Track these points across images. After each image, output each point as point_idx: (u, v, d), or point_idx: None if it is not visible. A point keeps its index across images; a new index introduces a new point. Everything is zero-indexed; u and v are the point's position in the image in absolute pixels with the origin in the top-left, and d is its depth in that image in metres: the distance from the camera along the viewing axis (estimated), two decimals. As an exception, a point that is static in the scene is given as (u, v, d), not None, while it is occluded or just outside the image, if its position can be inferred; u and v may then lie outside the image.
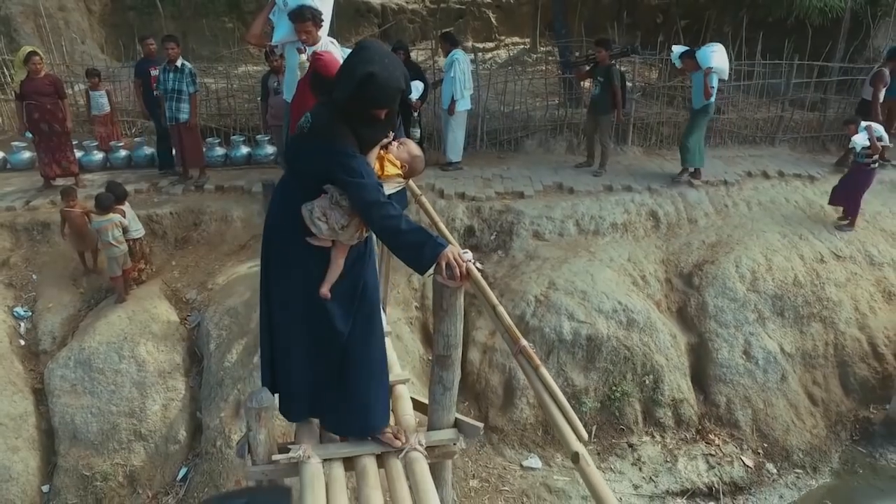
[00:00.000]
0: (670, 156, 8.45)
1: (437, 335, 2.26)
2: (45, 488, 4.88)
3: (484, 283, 2.22)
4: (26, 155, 7.44)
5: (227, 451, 4.90)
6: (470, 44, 11.72)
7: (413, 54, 9.04)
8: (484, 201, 6.91)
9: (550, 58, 10.96)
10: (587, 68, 7.69)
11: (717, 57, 6.94)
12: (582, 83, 8.86)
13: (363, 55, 2.18)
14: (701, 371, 6.17)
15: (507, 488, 5.23)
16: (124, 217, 5.60)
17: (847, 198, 7.24)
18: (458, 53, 7.14)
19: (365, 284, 2.44)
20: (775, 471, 5.74)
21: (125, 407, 5.07)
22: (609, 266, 6.43)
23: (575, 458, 1.50)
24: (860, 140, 6.83)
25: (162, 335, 5.41)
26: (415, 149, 2.65)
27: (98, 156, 7.53)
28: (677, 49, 7.37)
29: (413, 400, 2.71)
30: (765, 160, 8.51)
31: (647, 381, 5.87)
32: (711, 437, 5.85)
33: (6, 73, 8.78)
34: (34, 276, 6.01)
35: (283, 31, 4.32)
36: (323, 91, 3.92)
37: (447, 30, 9.01)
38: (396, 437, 2.51)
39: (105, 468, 4.90)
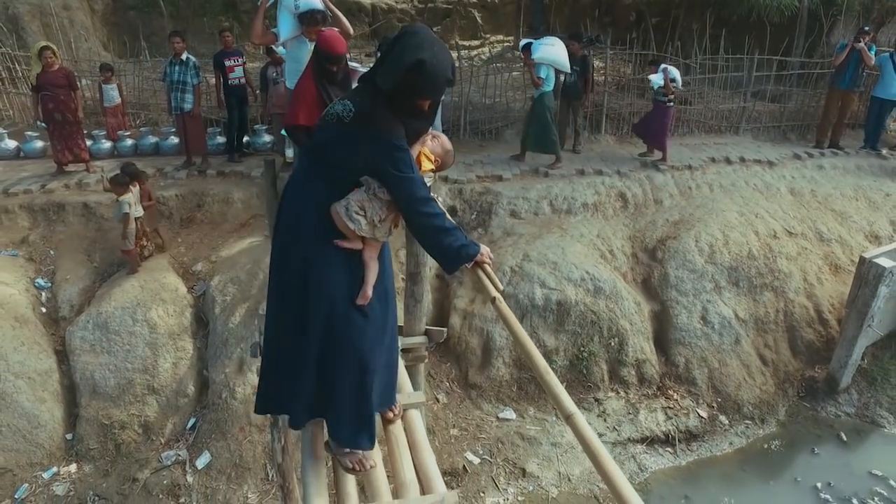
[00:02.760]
0: (640, 143, 9.08)
1: (408, 256, 2.82)
2: (69, 436, 5.43)
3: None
4: (39, 144, 7.99)
5: (231, 402, 5.47)
6: (456, 41, 12.30)
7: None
8: (465, 184, 7.50)
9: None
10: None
11: (544, 49, 7.37)
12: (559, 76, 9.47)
13: (412, 41, 2.01)
14: (662, 335, 6.77)
15: (483, 436, 5.82)
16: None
17: (647, 130, 8.20)
18: None
19: (386, 283, 2.34)
20: (727, 421, 6.35)
21: (139, 364, 5.62)
22: (579, 241, 7.03)
23: (492, 300, 1.99)
24: (657, 79, 7.69)
25: (171, 302, 5.97)
26: (447, 143, 2.52)
27: (106, 144, 8.07)
28: (522, 41, 8.05)
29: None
30: (728, 147, 9.15)
31: (613, 344, 6.47)
32: (670, 392, 6.46)
33: (16, 68, 9.30)
34: (52, 252, 6.55)
35: (288, 27, 4.77)
36: (324, 67, 4.10)
37: (435, 28, 9.61)
38: (360, 463, 2.28)
39: (122, 418, 5.45)
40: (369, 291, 2.20)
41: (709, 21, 9.78)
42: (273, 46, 6.82)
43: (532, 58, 7.40)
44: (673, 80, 7.71)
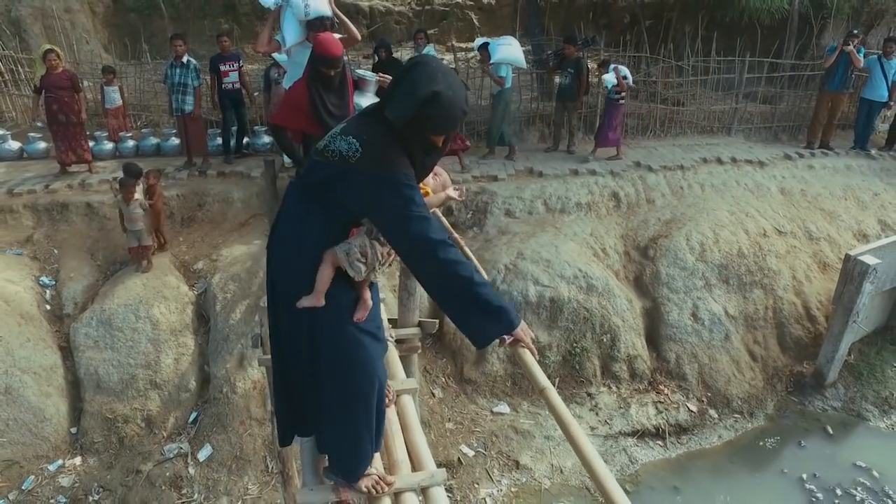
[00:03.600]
0: (634, 143, 9.25)
1: (402, 252, 2.95)
2: (73, 430, 5.57)
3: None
4: (42, 145, 8.13)
5: (232, 396, 5.61)
6: (452, 43, 12.45)
7: (398, 53, 9.79)
8: (461, 184, 7.64)
9: (529, 56, 11.72)
10: (551, 64, 8.49)
11: (502, 50, 7.63)
12: (554, 78, 9.65)
13: (424, 72, 1.87)
14: (654, 331, 6.92)
15: (478, 430, 5.97)
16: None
17: (600, 129, 8.31)
18: (431, 49, 7.90)
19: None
20: (716, 415, 6.50)
21: (142, 360, 5.76)
22: (573, 240, 7.18)
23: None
24: (609, 78, 7.91)
25: (173, 299, 6.11)
26: (448, 181, 2.42)
27: (108, 145, 8.21)
28: (478, 41, 8.26)
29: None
30: (720, 148, 9.30)
31: (605, 340, 6.61)
32: (661, 387, 6.61)
33: (18, 70, 9.45)
34: (55, 251, 6.69)
35: (294, 34, 4.81)
36: (320, 71, 3.93)
37: (431, 30, 9.76)
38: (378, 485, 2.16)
39: (125, 412, 5.59)
40: (364, 314, 2.11)
41: (701, 23, 9.94)
42: (276, 56, 6.77)
43: (493, 60, 7.67)
44: (625, 78, 7.96)
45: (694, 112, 9.81)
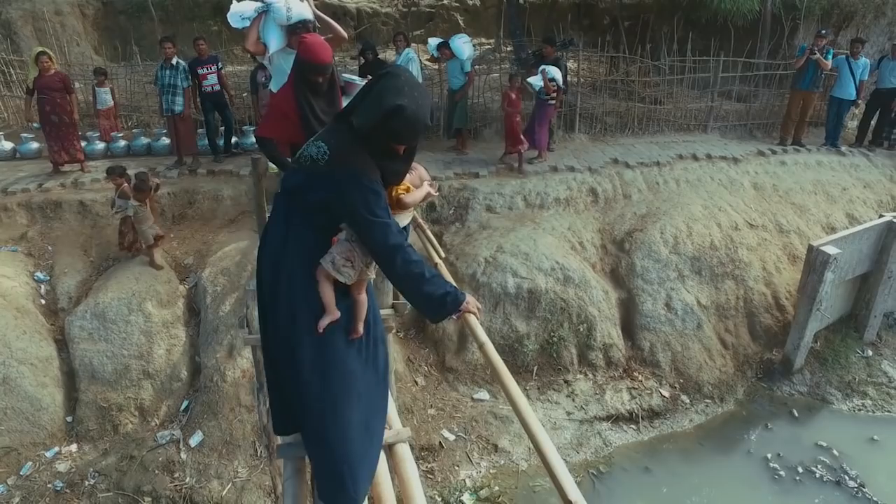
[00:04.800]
0: (612, 141, 9.54)
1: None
2: (69, 419, 5.79)
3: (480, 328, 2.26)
4: (34, 145, 8.31)
5: (222, 385, 5.85)
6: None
7: (384, 55, 10.05)
8: (444, 181, 7.89)
9: (513, 56, 12.00)
10: (531, 63, 8.77)
11: (466, 47, 8.21)
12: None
13: (393, 84, 2.01)
14: (629, 321, 7.21)
15: (459, 415, 6.23)
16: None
17: (538, 133, 8.42)
18: (411, 53, 8.16)
19: (374, 314, 2.36)
20: (688, 400, 6.79)
21: (135, 351, 5.98)
22: (551, 234, 7.45)
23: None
24: (536, 81, 8.11)
25: (165, 293, 6.33)
26: (425, 173, 2.50)
27: (100, 145, 8.41)
28: (433, 41, 8.63)
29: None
30: (696, 145, 9.61)
31: (582, 329, 6.89)
32: (636, 374, 6.89)
33: (9, 72, 9.62)
34: (50, 248, 6.89)
35: (277, 41, 4.67)
36: (307, 78, 3.68)
37: (417, 31, 10.00)
38: None
39: (119, 401, 5.81)
40: (360, 328, 2.21)
41: (678, 25, 10.24)
42: (260, 59, 6.70)
43: (464, 57, 8.19)
44: (552, 80, 8.10)
45: (671, 110, 10.11)
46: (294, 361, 2.16)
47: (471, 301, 2.15)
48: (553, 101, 8.26)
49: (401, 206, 2.30)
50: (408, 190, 2.35)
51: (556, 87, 8.12)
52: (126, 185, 6.39)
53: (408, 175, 2.34)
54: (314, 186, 2.04)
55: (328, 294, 2.11)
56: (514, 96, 8.10)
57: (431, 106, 2.10)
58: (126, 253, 6.62)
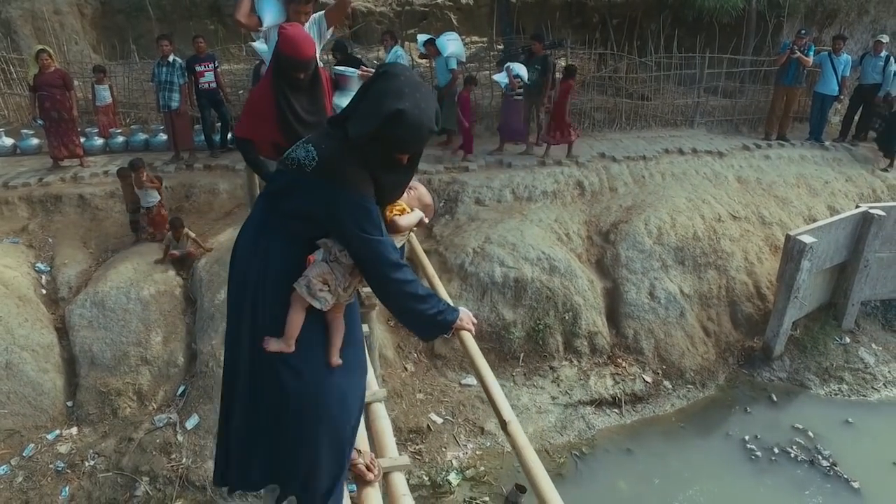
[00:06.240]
0: (600, 136, 9.76)
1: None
2: (69, 403, 5.99)
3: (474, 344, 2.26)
4: (34, 141, 8.53)
5: (217, 370, 6.04)
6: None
7: (376, 53, 10.26)
8: (434, 174, 8.11)
9: (502, 54, 12.20)
10: (521, 58, 8.98)
11: (452, 45, 8.32)
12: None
13: (391, 85, 1.81)
14: (613, 309, 7.41)
15: (447, 400, 6.43)
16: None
17: (506, 127, 8.64)
18: (399, 50, 8.36)
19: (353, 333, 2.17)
20: (670, 386, 7.00)
21: (133, 338, 6.18)
22: (538, 225, 7.66)
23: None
24: (501, 78, 8.34)
25: (162, 282, 6.54)
26: (426, 196, 2.26)
27: (99, 141, 8.62)
28: (421, 37, 8.80)
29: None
30: (682, 139, 9.82)
31: (567, 317, 7.09)
32: (619, 361, 7.10)
33: (9, 70, 9.82)
34: (50, 240, 7.10)
35: (273, 14, 4.04)
36: (287, 74, 3.26)
37: (411, 30, 10.21)
38: (369, 470, 2.21)
39: (118, 386, 6.01)
40: (335, 357, 2.02)
41: (665, 22, 10.46)
42: (253, 39, 6.09)
43: (446, 54, 8.32)
44: (517, 76, 8.29)
45: (658, 106, 10.33)
46: (264, 390, 1.98)
47: (464, 317, 2.08)
48: (519, 97, 8.46)
49: (393, 229, 2.05)
50: (403, 211, 2.12)
51: (521, 84, 8.33)
52: (148, 175, 6.75)
53: (406, 194, 2.14)
54: (295, 193, 1.87)
55: (295, 321, 1.91)
56: (572, 86, 8.41)
57: (437, 108, 1.87)
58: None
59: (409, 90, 1.79)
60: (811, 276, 6.98)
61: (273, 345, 1.92)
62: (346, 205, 1.81)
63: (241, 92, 9.44)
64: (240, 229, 2.08)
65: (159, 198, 6.92)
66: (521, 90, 8.37)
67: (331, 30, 3.95)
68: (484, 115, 9.76)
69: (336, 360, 2.01)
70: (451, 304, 2.09)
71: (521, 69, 8.28)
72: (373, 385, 2.63)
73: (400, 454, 2.26)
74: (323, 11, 3.88)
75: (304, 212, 1.87)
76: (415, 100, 1.79)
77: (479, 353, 2.22)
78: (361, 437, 2.28)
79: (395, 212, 2.09)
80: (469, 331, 2.13)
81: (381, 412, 2.48)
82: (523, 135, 8.74)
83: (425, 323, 2.00)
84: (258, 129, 3.49)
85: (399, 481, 2.13)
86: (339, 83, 4.12)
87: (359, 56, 9.46)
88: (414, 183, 2.17)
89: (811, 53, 9.36)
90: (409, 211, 2.14)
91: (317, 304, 1.89)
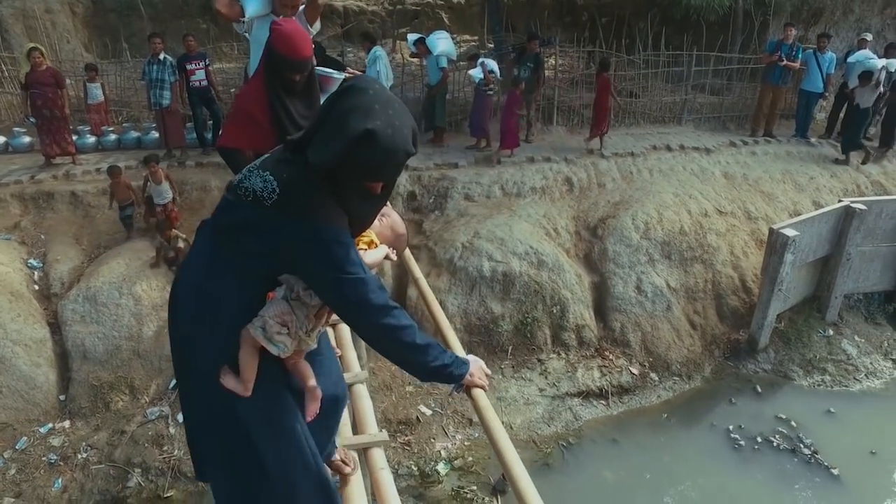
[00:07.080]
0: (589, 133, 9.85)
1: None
2: (62, 397, 6.05)
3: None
4: (26, 139, 8.56)
5: (209, 364, 6.12)
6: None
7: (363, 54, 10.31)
8: (424, 171, 8.20)
9: (493, 53, 12.31)
10: (512, 57, 9.10)
11: (442, 43, 8.45)
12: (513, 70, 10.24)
13: (360, 101, 1.53)
14: (601, 303, 7.52)
15: (436, 392, 6.52)
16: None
17: (480, 123, 8.76)
18: (379, 50, 8.44)
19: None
20: (657, 378, 7.11)
21: (125, 332, 6.25)
22: (526, 221, 7.75)
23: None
24: (476, 73, 8.48)
25: (154, 277, 6.60)
26: (399, 225, 2.04)
27: (91, 139, 8.66)
28: (412, 36, 8.94)
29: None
30: (670, 136, 9.94)
31: (555, 311, 7.20)
32: (607, 353, 7.20)
33: (2, 68, 9.85)
34: (42, 236, 7.14)
35: (256, 4, 3.73)
36: (283, 76, 2.88)
37: (402, 29, 10.29)
38: (345, 463, 2.08)
39: (110, 380, 6.07)
40: (315, 407, 1.74)
41: (653, 21, 10.58)
42: (236, 28, 5.97)
43: (436, 53, 8.40)
44: (491, 72, 8.43)
45: (646, 103, 10.45)
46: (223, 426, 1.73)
47: (475, 371, 1.87)
48: (492, 93, 8.56)
49: None
50: (371, 244, 1.90)
51: (494, 79, 8.45)
52: (161, 170, 6.88)
53: (377, 222, 1.89)
54: (253, 230, 1.56)
55: (249, 367, 1.62)
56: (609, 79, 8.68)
57: (414, 127, 1.59)
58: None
59: (379, 107, 1.52)
60: (795, 269, 7.10)
61: (231, 382, 1.64)
62: (318, 244, 1.54)
63: (232, 90, 9.50)
64: (181, 264, 1.81)
65: (172, 193, 7.01)
66: (493, 86, 8.44)
67: (316, 25, 3.76)
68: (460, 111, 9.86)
69: (314, 410, 1.74)
70: (459, 356, 1.86)
71: (494, 65, 8.38)
72: (354, 367, 2.71)
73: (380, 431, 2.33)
74: (302, 7, 3.69)
75: (262, 252, 1.58)
76: (387, 118, 1.52)
77: (496, 419, 1.95)
78: (344, 424, 2.36)
79: (360, 245, 1.85)
80: (482, 387, 1.90)
81: (363, 392, 2.56)
82: (486, 133, 8.79)
83: (428, 375, 1.79)
84: (250, 136, 3.06)
85: (378, 456, 2.20)
86: (322, 86, 3.58)
87: (338, 58, 9.51)
88: (386, 210, 1.93)
89: (800, 54, 9.49)
90: (376, 244, 1.91)
91: (273, 350, 1.61)
